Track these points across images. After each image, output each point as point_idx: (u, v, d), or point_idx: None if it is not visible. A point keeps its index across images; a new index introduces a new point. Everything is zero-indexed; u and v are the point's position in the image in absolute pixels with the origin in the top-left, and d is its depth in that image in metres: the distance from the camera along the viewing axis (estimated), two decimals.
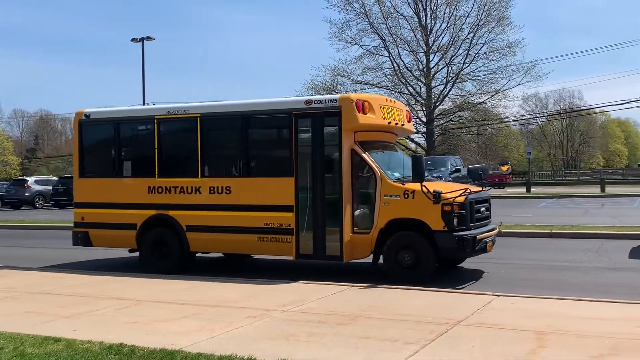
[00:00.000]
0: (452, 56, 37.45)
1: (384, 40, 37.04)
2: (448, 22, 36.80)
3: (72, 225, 12.77)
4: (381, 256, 10.25)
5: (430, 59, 38.04)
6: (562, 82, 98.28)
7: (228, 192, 11.14)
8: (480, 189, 10.81)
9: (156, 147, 11.84)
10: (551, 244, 10.65)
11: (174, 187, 11.55)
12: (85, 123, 12.52)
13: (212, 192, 11.26)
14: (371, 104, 10.60)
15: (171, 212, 11.53)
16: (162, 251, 11.66)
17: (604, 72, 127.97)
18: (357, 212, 10.47)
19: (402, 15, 37.27)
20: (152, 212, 11.69)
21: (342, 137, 10.36)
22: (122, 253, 13.11)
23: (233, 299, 8.86)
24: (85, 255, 14.12)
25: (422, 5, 36.91)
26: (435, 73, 38.08)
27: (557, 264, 11.60)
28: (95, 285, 10.18)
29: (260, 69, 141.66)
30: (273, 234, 10.73)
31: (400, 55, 37.63)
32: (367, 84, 37.37)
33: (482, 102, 39.53)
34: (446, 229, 9.70)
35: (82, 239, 12.42)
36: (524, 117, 69.22)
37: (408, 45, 37.63)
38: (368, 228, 10.26)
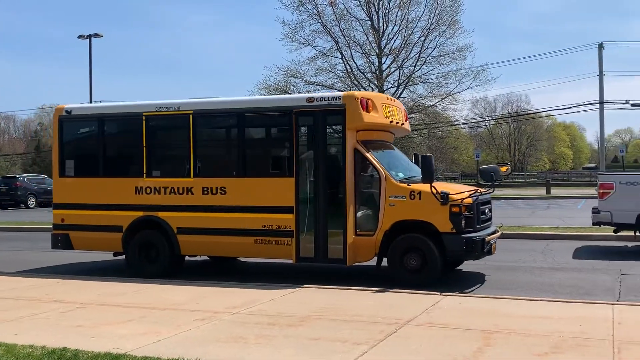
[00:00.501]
0: (403, 59, 37.84)
1: (336, 42, 37.18)
2: (400, 26, 37.18)
3: (52, 227, 12.16)
4: (384, 259, 10.00)
5: (383, 62, 38.36)
6: (510, 86, 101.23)
7: (223, 192, 10.70)
8: (483, 190, 10.59)
9: (144, 145, 11.30)
10: (498, 245, 10.81)
11: (164, 187, 11.08)
12: (66, 119, 11.92)
13: (205, 192, 10.81)
14: (374, 103, 10.32)
15: (160, 214, 11.03)
16: (150, 255, 11.16)
17: (551, 77, 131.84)
18: (360, 214, 10.15)
19: (354, 17, 37.47)
20: (140, 213, 11.17)
21: (346, 136, 10.06)
22: (107, 256, 12.55)
23: (181, 302, 8.71)
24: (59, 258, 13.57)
25: (375, 8, 37.16)
26: (388, 76, 38.43)
27: (504, 264, 11.81)
28: (40, 288, 9.87)
29: (213, 68, 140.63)
30: (272, 236, 10.35)
31: (353, 58, 37.86)
32: (320, 85, 37.43)
33: (433, 105, 40.07)
34: (454, 230, 9.45)
35: (62, 241, 11.77)
36: (473, 120, 70.58)
37: (361, 48, 37.89)
38: (371, 230, 9.96)
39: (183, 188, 10.94)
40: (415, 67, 37.62)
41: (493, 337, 6.62)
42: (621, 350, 6.06)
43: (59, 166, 11.98)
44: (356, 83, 37.15)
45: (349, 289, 9.35)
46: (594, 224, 13.55)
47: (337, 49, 37.31)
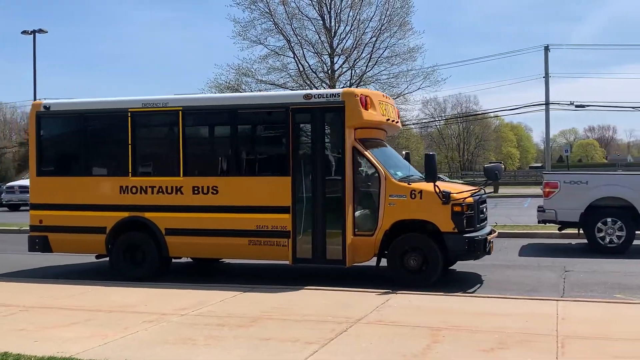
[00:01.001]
0: (355, 59, 37.93)
1: (289, 41, 36.99)
2: (352, 26, 37.22)
3: (28, 228, 11.61)
4: (382, 259, 9.88)
5: (335, 62, 38.37)
6: (460, 87, 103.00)
7: (215, 192, 10.31)
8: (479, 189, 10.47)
9: (130, 143, 10.79)
10: None
11: (151, 186, 10.62)
12: (45, 115, 11.29)
13: (196, 192, 10.40)
14: (372, 100, 10.11)
15: (147, 214, 10.58)
16: (136, 257, 10.72)
17: (499, 78, 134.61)
18: (358, 213, 9.93)
19: (306, 16, 37.31)
20: (125, 214, 10.69)
21: (345, 133, 9.79)
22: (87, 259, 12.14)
23: (129, 304, 8.55)
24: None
25: (327, 7, 37.13)
26: (340, 75, 38.48)
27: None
28: None
29: (161, 66, 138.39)
30: (267, 237, 10.03)
31: (305, 57, 37.71)
32: (272, 84, 37.22)
33: None
34: (456, 230, 9.33)
35: (40, 244, 11.17)
36: (424, 121, 71.45)
37: (313, 47, 37.78)
38: (370, 230, 9.75)
39: (172, 187, 10.54)
40: (367, 67, 37.78)
41: (441, 334, 6.71)
42: (565, 345, 6.22)
43: (36, 165, 11.36)
44: (308, 82, 37.11)
45: (300, 288, 9.35)
46: (539, 222, 13.86)
47: (289, 48, 37.15)
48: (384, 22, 36.54)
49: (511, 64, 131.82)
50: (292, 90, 33.25)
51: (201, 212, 10.37)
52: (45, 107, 11.28)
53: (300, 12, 36.96)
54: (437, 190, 9.34)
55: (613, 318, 7.36)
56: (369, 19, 36.96)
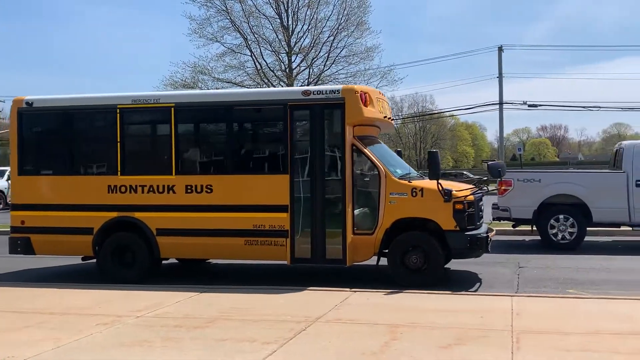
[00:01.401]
0: (313, 58, 37.90)
1: (245, 39, 36.70)
2: (309, 25, 37.20)
3: (9, 230, 11.12)
4: (381, 259, 9.80)
5: (293, 60, 38.29)
6: (416, 86, 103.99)
7: (209, 191, 10.02)
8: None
9: (119, 140, 10.42)
10: None
11: (141, 185, 10.26)
12: (27, 112, 10.82)
13: (189, 191, 10.08)
14: (371, 97, 9.98)
15: (137, 214, 10.23)
16: (125, 258, 10.39)
17: (454, 78, 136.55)
18: (358, 212, 9.79)
19: (263, 15, 37.07)
20: (113, 214, 10.31)
21: (345, 131, 9.63)
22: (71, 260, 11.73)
23: (83, 306, 8.36)
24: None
25: (284, 6, 37.03)
26: (298, 74, 38.42)
27: None
28: None
29: (118, 63, 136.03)
30: (264, 236, 9.78)
31: (262, 55, 37.47)
32: (229, 82, 36.88)
33: None
34: (458, 228, 9.27)
35: (22, 246, 10.69)
36: None
37: (270, 45, 37.58)
38: (370, 229, 9.64)
39: (163, 186, 10.20)
40: (324, 66, 37.80)
41: (399, 330, 6.75)
42: (519, 340, 6.33)
43: (18, 163, 10.87)
44: (266, 81, 36.93)
45: (256, 288, 9.29)
46: (493, 219, 14.09)
47: (246, 46, 36.88)
48: (342, 21, 36.64)
49: (466, 64, 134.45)
50: (248, 88, 33.13)
51: (195, 211, 10.09)
52: (27, 103, 10.84)
53: (257, 10, 36.76)
54: (440, 187, 9.28)
55: (566, 313, 7.52)
56: (327, 18, 37.02)
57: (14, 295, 9.17)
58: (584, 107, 47.21)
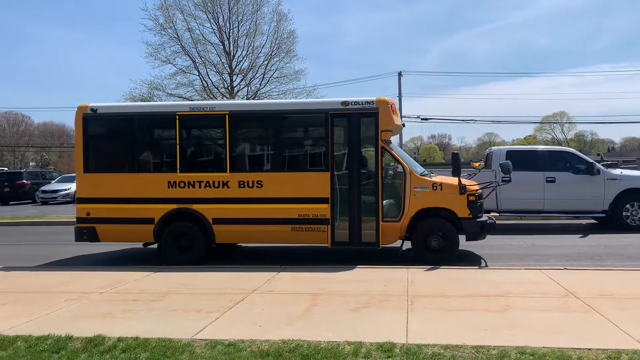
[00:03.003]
0: (251, 78, 37.59)
1: (194, 62, 36.04)
2: (247, 51, 36.88)
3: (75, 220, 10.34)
4: (404, 241, 9.67)
5: (234, 80, 37.85)
6: None
7: (260, 186, 9.66)
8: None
9: (178, 142, 9.94)
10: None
11: (199, 181, 9.81)
12: (91, 118, 10.16)
13: (241, 186, 9.70)
14: (395, 107, 9.92)
15: (195, 206, 9.77)
16: (182, 244, 9.91)
17: (364, 97, 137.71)
18: (386, 202, 9.65)
19: (209, 42, 36.52)
20: (173, 206, 9.81)
21: (378, 136, 9.47)
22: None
23: (53, 285, 7.99)
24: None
25: (226, 35, 36.63)
26: (238, 91, 37.94)
27: None
28: None
29: (80, 82, 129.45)
30: (308, 224, 9.51)
31: (208, 75, 36.85)
32: (180, 97, 36.03)
33: None
34: (470, 216, 9.33)
35: (87, 234, 10.08)
36: None
37: (215, 67, 36.99)
38: (396, 216, 9.52)
39: (219, 182, 9.79)
40: (260, 85, 37.52)
41: (319, 298, 6.81)
42: (413, 302, 6.51)
43: (83, 163, 10.20)
44: (211, 97, 36.32)
45: (208, 267, 9.16)
46: None
47: (195, 68, 36.22)
48: (274, 49, 36.60)
49: (374, 86, 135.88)
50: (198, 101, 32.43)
51: (247, 203, 9.72)
52: (92, 109, 10.17)
53: (203, 38, 36.22)
54: (460, 183, 9.36)
55: (450, 281, 7.75)
56: (262, 45, 36.87)
57: None
58: (463, 120, 49.19)
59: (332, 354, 4.83)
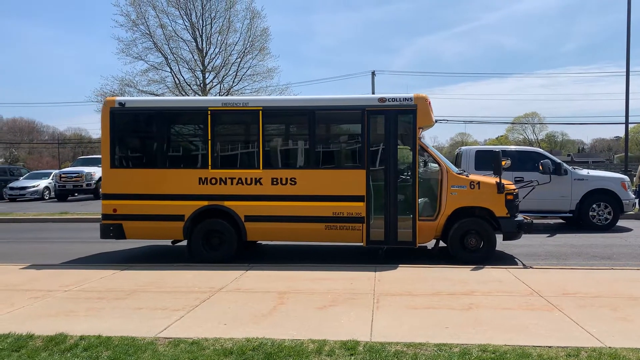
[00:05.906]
0: (224, 75, 37.33)
1: (166, 58, 35.62)
2: (220, 48, 36.63)
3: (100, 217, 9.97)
4: (439, 241, 9.58)
5: (207, 77, 37.56)
6: None
7: (293, 183, 9.42)
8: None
9: (209, 138, 9.65)
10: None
11: (230, 178, 9.57)
12: (119, 111, 9.84)
13: (275, 183, 9.47)
14: (431, 104, 9.63)
15: (227, 203, 9.54)
16: (212, 241, 9.71)
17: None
18: (422, 201, 9.50)
19: (182, 38, 36.16)
20: (204, 202, 9.57)
21: (416, 133, 9.25)
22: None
23: (17, 283, 7.84)
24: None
25: (199, 32, 36.29)
26: (210, 89, 37.67)
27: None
28: None
29: (50, 78, 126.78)
30: (342, 222, 9.31)
31: (180, 72, 36.46)
32: (152, 94, 35.60)
33: None
34: (508, 215, 9.21)
35: (114, 231, 9.79)
36: None
37: (187, 64, 36.63)
38: (431, 215, 9.41)
39: (251, 179, 9.55)
40: (233, 82, 37.33)
41: (286, 296, 6.84)
42: (379, 300, 6.60)
43: (110, 158, 9.88)
44: (184, 94, 35.97)
45: (173, 265, 9.09)
46: None
47: (167, 64, 35.82)
48: (247, 46, 36.46)
49: (347, 85, 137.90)
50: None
51: (280, 200, 9.49)
52: (119, 103, 9.88)
53: (176, 35, 35.86)
54: (499, 182, 9.23)
55: (415, 279, 7.85)
56: (235, 43, 36.68)
57: None
58: (437, 120, 49.50)
59: (295, 352, 4.88)
